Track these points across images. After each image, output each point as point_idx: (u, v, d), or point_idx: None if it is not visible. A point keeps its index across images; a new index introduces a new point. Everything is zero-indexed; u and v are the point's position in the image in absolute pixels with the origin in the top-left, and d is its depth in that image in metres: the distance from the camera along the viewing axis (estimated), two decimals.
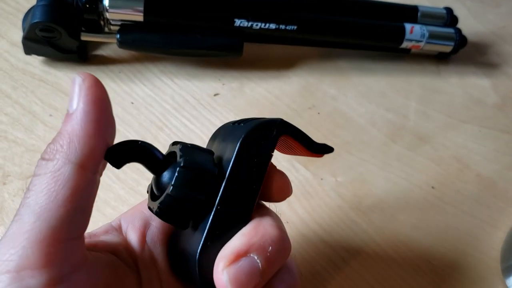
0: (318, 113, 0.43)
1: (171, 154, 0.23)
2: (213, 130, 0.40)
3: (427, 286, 0.34)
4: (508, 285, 0.34)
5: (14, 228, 0.19)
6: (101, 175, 0.22)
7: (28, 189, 0.20)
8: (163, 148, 0.39)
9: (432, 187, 0.39)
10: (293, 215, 0.36)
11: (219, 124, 0.41)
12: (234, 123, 0.25)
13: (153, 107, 0.41)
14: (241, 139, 0.21)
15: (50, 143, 0.21)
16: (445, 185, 0.39)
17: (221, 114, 0.42)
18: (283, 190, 0.24)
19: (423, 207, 0.38)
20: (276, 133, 0.22)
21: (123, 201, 0.36)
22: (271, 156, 0.22)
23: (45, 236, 0.19)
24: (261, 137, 0.22)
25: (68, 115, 0.21)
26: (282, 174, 0.24)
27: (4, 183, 0.36)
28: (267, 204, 0.24)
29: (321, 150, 0.25)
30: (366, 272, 0.34)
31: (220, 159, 0.23)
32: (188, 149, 0.22)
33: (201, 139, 0.40)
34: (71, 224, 0.20)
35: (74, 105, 0.21)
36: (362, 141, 0.41)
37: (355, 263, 0.34)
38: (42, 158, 0.21)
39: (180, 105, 0.42)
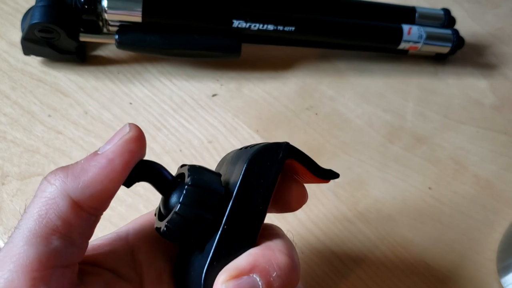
0: (316, 114, 0.43)
1: (179, 176, 0.23)
2: (211, 130, 0.41)
3: (423, 286, 0.34)
4: (503, 285, 0.34)
5: (5, 250, 0.19)
6: (101, 215, 0.22)
7: (25, 210, 0.20)
8: (161, 148, 0.39)
9: (429, 188, 0.39)
10: (290, 216, 0.36)
11: (217, 125, 0.41)
12: (241, 148, 0.25)
13: (152, 107, 0.42)
14: (247, 160, 0.22)
15: (61, 167, 0.21)
16: (442, 186, 0.39)
17: (219, 114, 0.42)
18: (300, 198, 0.24)
19: (420, 207, 0.38)
20: (282, 156, 0.23)
21: (121, 202, 0.36)
22: (277, 178, 0.22)
23: (32, 261, 0.19)
24: (267, 159, 0.22)
25: (94, 153, 0.21)
26: (298, 183, 0.24)
27: (3, 183, 0.36)
28: (286, 217, 0.25)
29: (327, 175, 0.25)
30: (363, 272, 0.34)
31: (227, 181, 0.23)
32: (196, 169, 0.22)
33: (199, 140, 0.40)
34: (59, 253, 0.19)
35: (105, 149, 0.21)
36: (359, 142, 0.41)
37: (351, 263, 0.34)
38: (45, 178, 0.21)
39: (178, 106, 0.42)
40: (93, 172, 0.20)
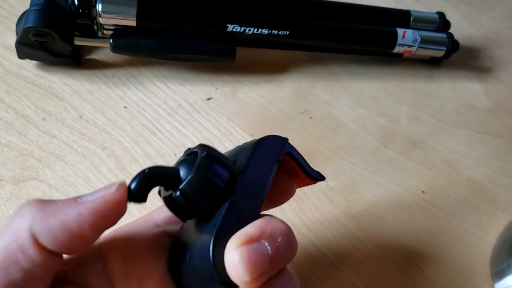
0: (311, 118, 0.43)
1: (190, 154, 0.24)
2: (206, 134, 0.41)
3: None
4: None
5: None
6: (71, 255, 0.22)
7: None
8: (155, 152, 0.39)
9: (423, 192, 0.39)
10: (284, 219, 0.36)
11: (212, 129, 0.41)
12: (238, 146, 0.27)
13: (146, 111, 0.42)
14: (258, 141, 0.24)
15: (39, 200, 0.21)
16: (435, 190, 0.39)
17: (213, 118, 0.42)
18: (288, 191, 0.26)
19: (413, 211, 0.38)
20: (282, 147, 0.25)
21: None
22: (278, 163, 0.24)
23: None
24: (272, 145, 0.24)
25: (74, 199, 0.21)
26: (287, 177, 0.26)
27: None
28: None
29: (316, 176, 0.27)
30: (356, 276, 0.34)
31: (234, 162, 0.24)
32: (208, 146, 0.24)
33: (194, 144, 0.40)
34: (18, 285, 0.19)
35: (84, 199, 0.21)
36: (354, 146, 0.41)
37: (344, 267, 0.35)
38: (21, 207, 0.21)
39: (173, 109, 0.42)
40: (61, 220, 0.20)
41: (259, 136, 0.40)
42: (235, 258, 0.20)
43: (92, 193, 0.21)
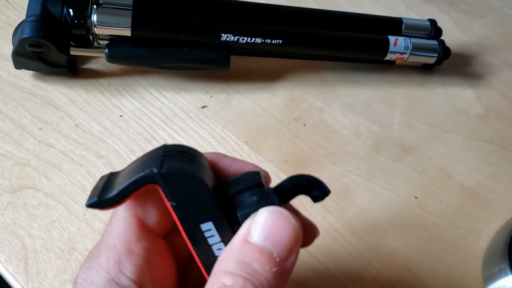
0: (304, 125, 0.43)
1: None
2: (201, 141, 0.41)
3: None
4: None
5: None
6: None
7: None
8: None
9: (415, 197, 0.40)
10: None
11: (207, 136, 0.42)
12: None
13: (142, 119, 0.42)
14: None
15: None
16: (428, 195, 0.40)
17: (208, 126, 0.43)
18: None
19: (406, 217, 0.38)
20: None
21: (111, 214, 0.36)
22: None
23: None
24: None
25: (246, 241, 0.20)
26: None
27: None
28: None
29: None
30: (349, 282, 0.35)
31: None
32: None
33: None
34: None
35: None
36: (347, 152, 0.42)
37: (338, 273, 0.35)
38: None
39: (168, 118, 0.43)
40: None
41: (253, 143, 0.41)
42: None
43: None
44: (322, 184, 0.24)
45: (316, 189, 0.24)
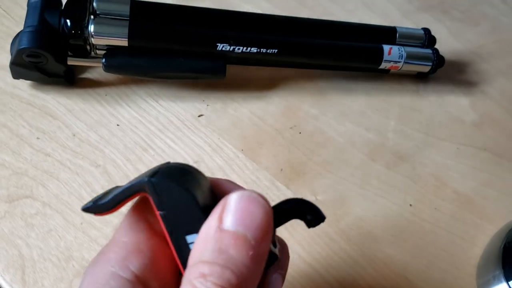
0: (300, 133, 0.44)
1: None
2: (197, 150, 0.42)
3: None
4: None
5: None
6: None
7: None
8: (147, 168, 0.40)
9: (410, 205, 0.40)
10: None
11: (203, 145, 0.42)
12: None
13: (138, 128, 0.43)
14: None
15: None
16: (422, 203, 0.40)
17: (204, 134, 0.43)
18: None
19: (400, 224, 0.39)
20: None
21: (107, 222, 0.37)
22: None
23: None
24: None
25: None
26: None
27: None
28: None
29: None
30: None
31: None
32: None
33: (185, 160, 0.41)
34: None
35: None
36: (342, 160, 0.42)
37: (333, 281, 0.35)
38: None
39: (164, 126, 0.43)
40: None
41: (249, 151, 0.42)
42: None
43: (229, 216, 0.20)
44: (317, 209, 0.24)
45: (311, 214, 0.24)
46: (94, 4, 0.40)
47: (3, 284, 0.33)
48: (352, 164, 0.42)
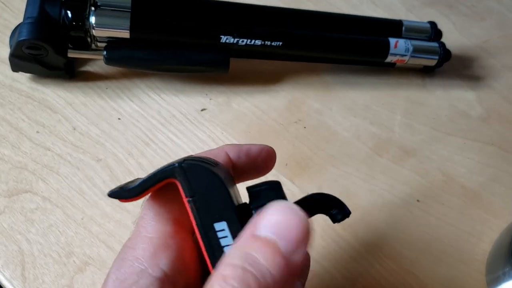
0: (304, 127, 0.43)
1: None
2: (200, 144, 0.41)
3: None
4: None
5: None
6: None
7: None
8: (149, 163, 0.39)
9: (417, 200, 0.39)
10: None
11: (206, 139, 0.41)
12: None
13: (140, 122, 0.42)
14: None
15: None
16: (429, 198, 0.40)
17: (208, 129, 0.42)
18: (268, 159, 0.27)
19: (407, 219, 0.38)
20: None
21: (109, 218, 0.36)
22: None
23: None
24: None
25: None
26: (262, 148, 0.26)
27: None
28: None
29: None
30: (351, 285, 0.34)
31: None
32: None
33: (187, 154, 0.40)
34: None
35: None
36: (347, 155, 0.42)
37: (339, 276, 0.34)
38: None
39: (167, 120, 0.42)
40: None
41: None
42: None
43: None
44: (342, 203, 0.24)
45: (336, 209, 0.23)
46: None
47: (3, 280, 0.33)
48: (357, 158, 0.41)
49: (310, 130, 0.43)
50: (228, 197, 0.21)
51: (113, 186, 0.37)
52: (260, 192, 0.23)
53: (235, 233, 0.21)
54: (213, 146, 0.41)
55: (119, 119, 0.42)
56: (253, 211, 0.22)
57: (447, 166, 0.42)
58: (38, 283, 0.33)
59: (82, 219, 0.36)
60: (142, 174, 0.38)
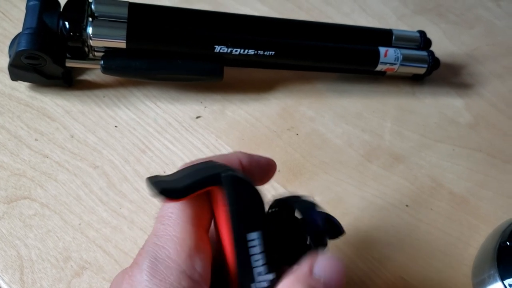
0: (297, 134, 0.44)
1: None
2: (195, 151, 0.42)
3: None
4: None
5: None
6: None
7: None
8: (145, 170, 0.40)
9: (406, 205, 0.40)
10: None
11: (201, 146, 0.42)
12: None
13: (137, 130, 0.43)
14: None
15: None
16: (418, 203, 0.41)
17: (202, 136, 0.43)
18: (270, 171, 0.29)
19: (397, 224, 0.39)
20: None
21: (106, 224, 0.37)
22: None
23: None
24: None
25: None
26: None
27: None
28: None
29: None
30: None
31: None
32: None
33: (183, 161, 0.41)
34: None
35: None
36: (339, 161, 0.43)
37: None
38: None
39: (163, 128, 0.43)
40: None
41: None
42: None
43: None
44: (337, 223, 0.26)
45: (331, 227, 0.26)
46: (93, 6, 0.40)
47: (2, 284, 0.33)
48: (349, 165, 0.43)
49: (303, 137, 0.44)
50: (263, 211, 0.23)
51: (110, 192, 0.38)
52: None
53: (265, 244, 0.23)
54: (208, 153, 0.42)
55: (116, 127, 0.43)
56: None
57: (436, 172, 0.43)
58: (36, 287, 0.33)
59: (80, 224, 0.37)
60: (139, 180, 0.39)
